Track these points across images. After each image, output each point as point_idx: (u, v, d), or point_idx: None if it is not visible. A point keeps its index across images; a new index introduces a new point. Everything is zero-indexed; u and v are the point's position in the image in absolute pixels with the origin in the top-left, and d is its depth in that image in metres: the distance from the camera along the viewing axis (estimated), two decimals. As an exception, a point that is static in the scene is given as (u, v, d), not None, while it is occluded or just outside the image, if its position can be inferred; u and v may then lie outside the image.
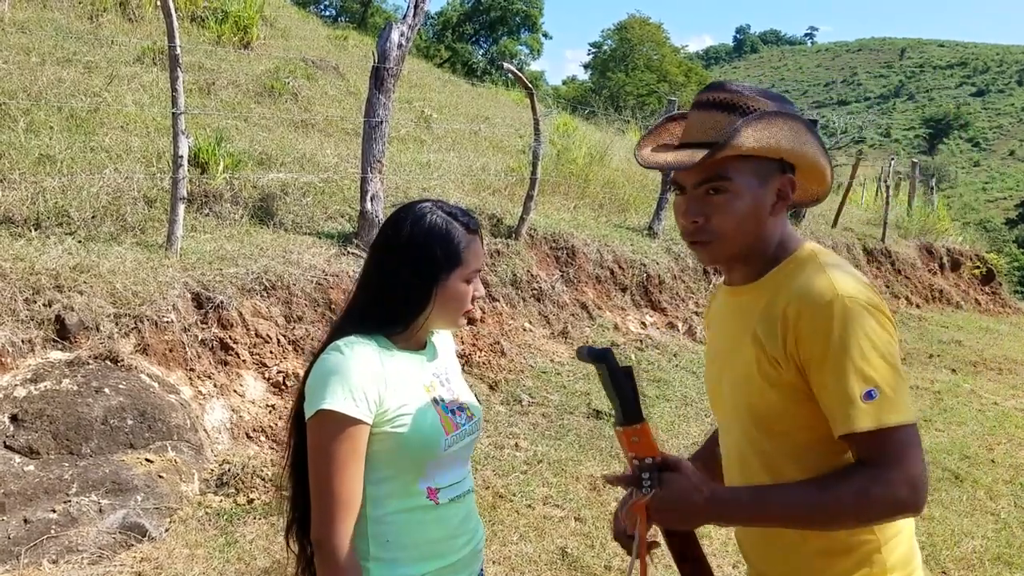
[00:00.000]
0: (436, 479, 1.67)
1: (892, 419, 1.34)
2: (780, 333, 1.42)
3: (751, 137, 1.42)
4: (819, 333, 1.37)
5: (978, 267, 14.38)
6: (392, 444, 1.60)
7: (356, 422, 1.55)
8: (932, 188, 19.09)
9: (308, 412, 1.57)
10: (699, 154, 1.44)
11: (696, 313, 8.57)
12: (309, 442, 1.58)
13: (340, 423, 1.54)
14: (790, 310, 1.41)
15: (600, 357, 1.39)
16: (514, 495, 4.45)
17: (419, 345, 1.75)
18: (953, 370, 8.78)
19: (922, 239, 14.44)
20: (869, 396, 1.34)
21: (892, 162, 16.38)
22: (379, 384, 1.58)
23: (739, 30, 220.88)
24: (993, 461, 5.79)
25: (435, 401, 1.68)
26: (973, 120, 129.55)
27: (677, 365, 7.34)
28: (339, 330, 1.68)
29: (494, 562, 3.76)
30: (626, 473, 1.49)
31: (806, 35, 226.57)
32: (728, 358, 1.57)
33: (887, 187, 14.71)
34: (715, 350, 1.68)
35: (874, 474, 1.34)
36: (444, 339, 1.88)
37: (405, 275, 1.65)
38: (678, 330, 8.25)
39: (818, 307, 1.37)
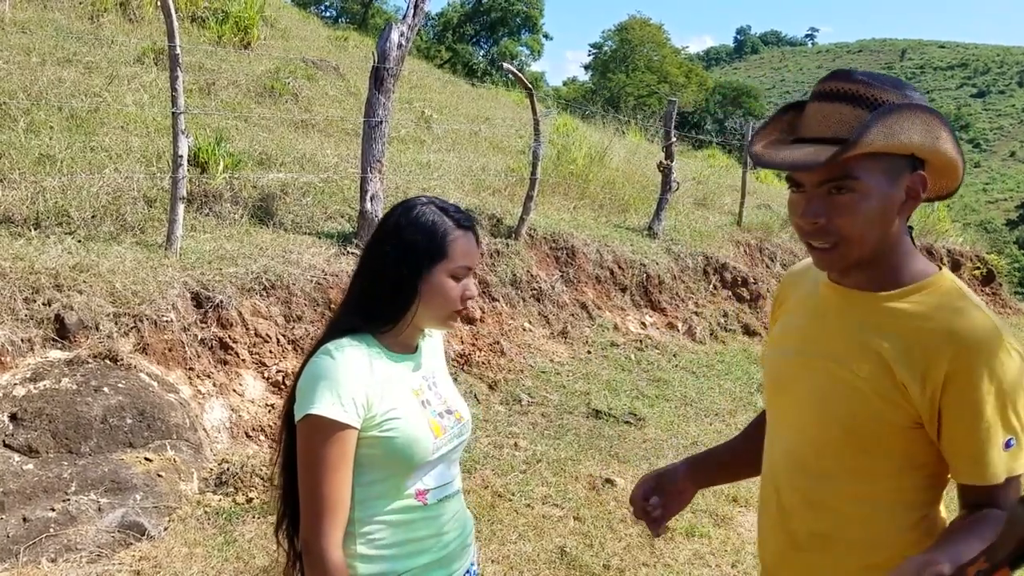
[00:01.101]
0: (425, 481, 1.68)
1: (1018, 468, 1.33)
2: (923, 363, 1.33)
3: (882, 134, 1.31)
4: (980, 377, 1.30)
5: (978, 268, 14.37)
6: (381, 448, 1.60)
7: (344, 427, 1.55)
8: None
9: (297, 415, 1.58)
10: (824, 152, 1.33)
11: (696, 313, 8.57)
12: (298, 446, 1.59)
13: (328, 428, 1.54)
14: (946, 345, 1.32)
15: None
16: (513, 494, 4.45)
17: (409, 348, 1.74)
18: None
19: (922, 240, 14.42)
20: (1008, 445, 1.32)
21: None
22: (368, 389, 1.58)
23: (740, 31, 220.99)
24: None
25: (424, 405, 1.69)
26: (974, 121, 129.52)
27: (677, 365, 7.34)
28: (333, 326, 1.69)
29: (493, 561, 3.76)
30: None
31: (807, 36, 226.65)
32: (826, 362, 1.46)
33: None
34: (802, 345, 1.53)
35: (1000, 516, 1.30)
36: (434, 343, 1.88)
37: (390, 266, 1.65)
38: (678, 330, 8.25)
39: (984, 351, 1.31)
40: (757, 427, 1.78)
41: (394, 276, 1.65)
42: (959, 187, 1.49)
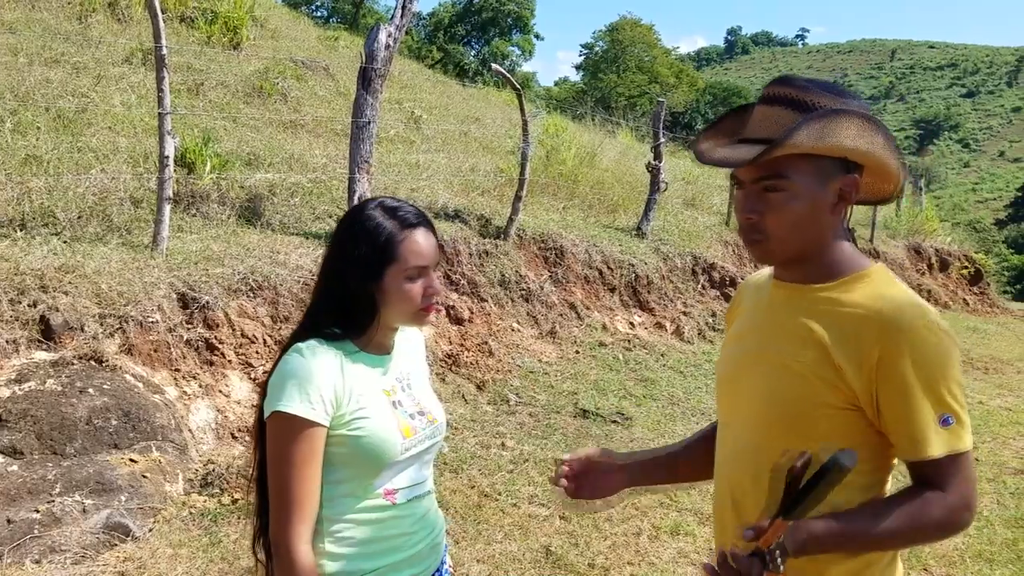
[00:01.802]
0: (394, 480, 1.69)
1: (961, 446, 1.38)
2: (856, 345, 1.40)
3: (809, 136, 1.39)
4: (908, 355, 1.37)
5: (966, 267, 14.46)
6: (349, 447, 1.62)
7: (312, 424, 1.56)
8: (921, 189, 19.17)
9: (266, 412, 1.59)
10: (754, 151, 1.41)
11: (684, 313, 8.60)
12: (267, 443, 1.60)
13: (295, 425, 1.55)
14: (876, 326, 1.39)
15: (842, 465, 1.27)
16: (500, 494, 4.47)
17: (383, 348, 1.75)
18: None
19: (911, 239, 14.52)
20: (946, 422, 1.37)
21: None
22: (337, 387, 1.60)
23: (730, 31, 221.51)
24: (977, 459, 5.82)
25: (395, 406, 1.69)
26: (963, 121, 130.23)
27: (665, 365, 7.36)
28: (304, 327, 1.70)
29: (479, 561, 3.77)
30: (756, 557, 1.35)
31: (797, 36, 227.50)
32: (771, 355, 1.53)
33: (876, 188, 14.75)
34: (750, 343, 1.61)
35: (941, 497, 1.38)
36: (413, 344, 1.88)
37: (343, 282, 1.66)
38: (666, 330, 8.27)
39: (910, 330, 1.37)
40: (702, 438, 1.83)
41: (350, 290, 1.65)
42: (898, 192, 1.57)
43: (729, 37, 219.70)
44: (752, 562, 1.33)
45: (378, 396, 1.67)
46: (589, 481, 1.81)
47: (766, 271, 1.67)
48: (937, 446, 1.37)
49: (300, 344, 1.63)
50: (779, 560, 1.33)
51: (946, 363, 1.38)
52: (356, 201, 6.12)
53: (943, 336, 1.39)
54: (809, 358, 1.45)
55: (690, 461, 1.83)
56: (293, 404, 1.55)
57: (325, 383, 1.58)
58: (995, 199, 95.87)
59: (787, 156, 1.41)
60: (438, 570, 1.82)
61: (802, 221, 1.45)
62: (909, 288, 1.48)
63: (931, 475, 1.39)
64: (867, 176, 1.50)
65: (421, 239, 1.67)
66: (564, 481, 1.78)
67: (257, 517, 1.72)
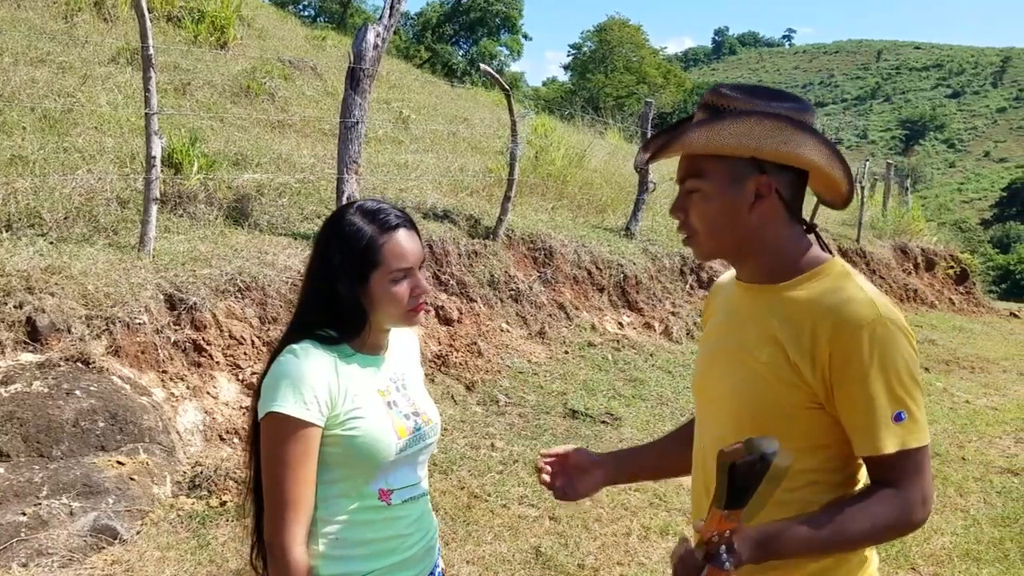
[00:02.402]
0: (389, 481, 1.68)
1: (915, 441, 1.38)
2: (810, 343, 1.41)
3: (702, 137, 1.43)
4: (858, 352, 1.37)
5: (952, 267, 14.54)
6: (343, 447, 1.61)
7: (306, 425, 1.56)
8: (907, 189, 19.28)
9: (260, 413, 1.59)
10: (646, 155, 1.49)
11: (673, 313, 8.62)
12: (261, 444, 1.60)
13: (290, 426, 1.55)
14: (826, 323, 1.40)
15: (765, 456, 1.24)
16: (489, 495, 4.46)
17: (376, 348, 1.74)
18: (926, 369, 8.87)
19: (897, 239, 14.58)
20: (899, 418, 1.37)
21: (868, 163, 16.54)
22: (331, 387, 1.59)
23: (718, 32, 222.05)
24: (964, 459, 5.86)
25: (389, 405, 1.69)
26: (949, 121, 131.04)
27: (653, 365, 7.38)
28: (296, 327, 1.69)
29: (468, 562, 3.77)
30: (700, 551, 1.36)
31: (784, 37, 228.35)
32: (735, 352, 1.55)
33: (862, 188, 14.84)
34: (717, 340, 1.64)
35: (894, 494, 1.39)
36: (407, 345, 1.88)
37: (329, 290, 1.65)
38: (655, 330, 8.29)
39: (859, 326, 1.38)
40: (681, 433, 1.85)
41: (338, 297, 1.64)
42: (847, 196, 1.54)
43: (716, 38, 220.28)
44: (693, 552, 1.32)
45: (372, 396, 1.67)
46: (569, 480, 1.82)
47: (730, 273, 1.71)
48: (889, 442, 1.37)
49: (294, 345, 1.63)
50: (723, 556, 1.32)
51: (898, 358, 1.38)
52: (344, 201, 6.10)
53: (895, 331, 1.39)
54: (766, 356, 1.47)
55: (671, 455, 1.85)
56: (287, 404, 1.55)
57: (319, 383, 1.58)
58: (980, 199, 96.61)
59: (702, 157, 1.46)
60: (431, 573, 1.81)
61: (719, 220, 1.48)
62: (867, 282, 1.49)
63: (886, 472, 1.40)
64: (812, 177, 1.51)
65: (403, 241, 1.65)
66: (546, 477, 1.80)
67: (254, 526, 1.71)
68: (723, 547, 1.32)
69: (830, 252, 1.55)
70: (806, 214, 1.57)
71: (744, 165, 1.45)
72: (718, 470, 1.27)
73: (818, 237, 1.56)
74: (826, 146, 1.46)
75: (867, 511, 1.39)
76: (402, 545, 1.71)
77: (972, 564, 4.20)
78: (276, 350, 1.67)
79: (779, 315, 1.48)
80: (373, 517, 1.66)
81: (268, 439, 1.58)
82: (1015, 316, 13.69)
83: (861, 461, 1.48)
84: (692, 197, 1.50)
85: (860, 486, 1.51)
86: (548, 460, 1.82)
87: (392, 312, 1.67)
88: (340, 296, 1.64)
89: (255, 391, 1.66)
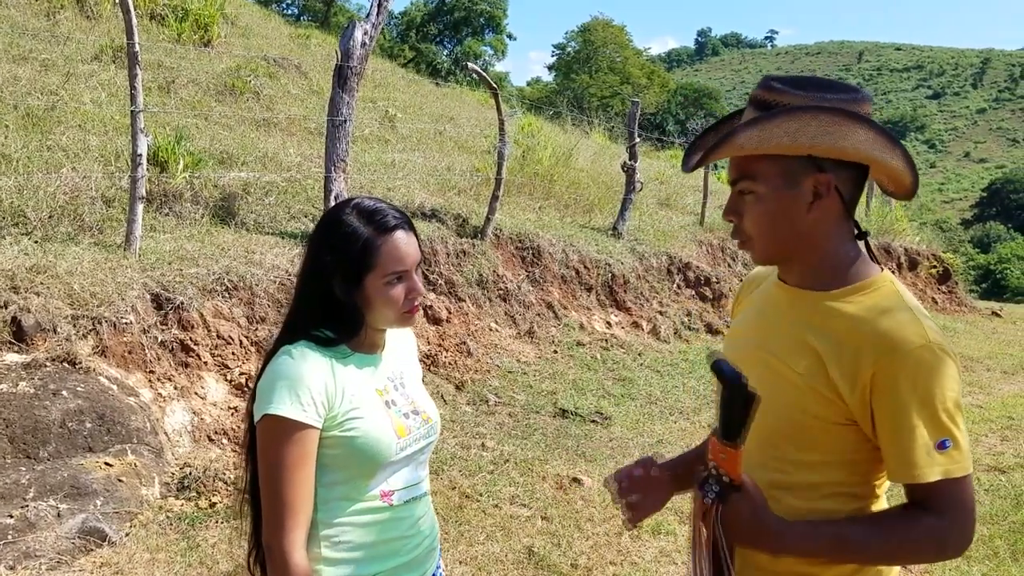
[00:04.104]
0: (390, 481, 1.66)
1: (959, 471, 1.34)
2: (852, 363, 1.36)
3: (753, 138, 1.35)
4: (904, 377, 1.32)
5: (935, 267, 14.62)
6: (343, 448, 1.59)
7: (304, 427, 1.53)
8: (890, 189, 19.36)
9: (256, 416, 1.56)
10: (696, 157, 1.43)
11: (660, 312, 8.63)
12: (258, 447, 1.56)
13: (287, 428, 1.52)
14: (871, 345, 1.35)
15: (735, 378, 1.27)
16: (480, 495, 4.44)
17: (373, 348, 1.72)
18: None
19: (880, 239, 14.66)
20: (942, 446, 1.33)
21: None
22: (329, 389, 1.57)
23: (701, 33, 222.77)
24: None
25: (388, 405, 1.66)
26: (929, 122, 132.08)
27: (642, 364, 7.38)
28: (290, 327, 1.67)
29: (461, 562, 3.75)
30: (700, 472, 1.40)
31: (766, 38, 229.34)
32: (768, 358, 1.49)
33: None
34: (747, 342, 1.57)
35: (932, 522, 1.34)
36: (404, 344, 1.85)
37: (324, 290, 1.62)
38: (643, 329, 8.29)
39: (907, 352, 1.32)
40: None
41: (333, 297, 1.62)
42: (912, 186, 1.46)
43: (699, 39, 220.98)
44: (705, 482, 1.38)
45: (370, 395, 1.64)
46: (641, 499, 1.69)
47: (772, 267, 1.63)
48: (932, 471, 1.33)
49: (289, 346, 1.60)
50: (712, 486, 1.35)
51: (944, 385, 1.33)
52: (333, 200, 6.07)
53: (943, 357, 1.33)
54: (803, 368, 1.41)
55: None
56: (284, 406, 1.52)
57: (316, 384, 1.55)
58: (961, 199, 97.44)
59: (754, 158, 1.38)
60: (434, 575, 1.79)
61: (774, 223, 1.41)
62: (915, 300, 1.43)
63: (927, 499, 1.35)
64: (873, 172, 1.43)
65: (400, 243, 1.62)
66: (634, 499, 1.66)
67: (251, 531, 1.68)
68: (712, 480, 1.35)
69: (878, 263, 1.48)
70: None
71: (800, 163, 1.38)
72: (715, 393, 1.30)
73: (868, 246, 1.49)
74: (885, 137, 1.38)
75: (904, 530, 1.36)
76: (405, 547, 1.69)
77: (962, 561, 4.21)
78: (271, 351, 1.64)
79: (820, 327, 1.42)
80: (375, 519, 1.64)
81: (265, 442, 1.55)
82: (996, 315, 13.79)
83: (884, 475, 1.45)
84: (745, 199, 1.43)
85: (882, 500, 1.49)
86: (626, 481, 1.66)
87: (386, 314, 1.64)
88: (335, 296, 1.61)
89: (250, 394, 1.63)
